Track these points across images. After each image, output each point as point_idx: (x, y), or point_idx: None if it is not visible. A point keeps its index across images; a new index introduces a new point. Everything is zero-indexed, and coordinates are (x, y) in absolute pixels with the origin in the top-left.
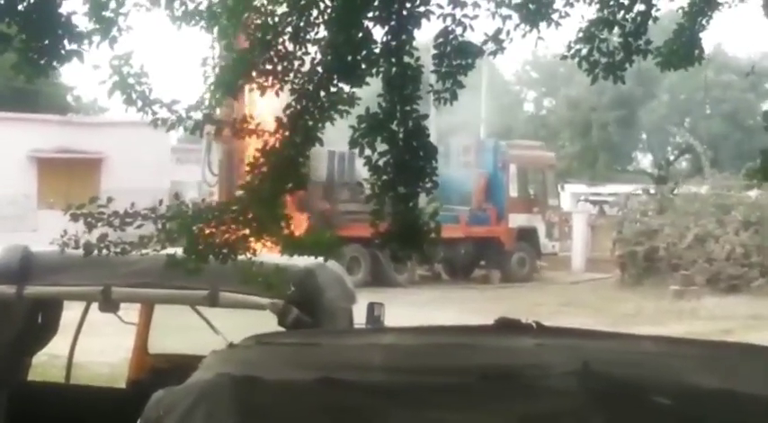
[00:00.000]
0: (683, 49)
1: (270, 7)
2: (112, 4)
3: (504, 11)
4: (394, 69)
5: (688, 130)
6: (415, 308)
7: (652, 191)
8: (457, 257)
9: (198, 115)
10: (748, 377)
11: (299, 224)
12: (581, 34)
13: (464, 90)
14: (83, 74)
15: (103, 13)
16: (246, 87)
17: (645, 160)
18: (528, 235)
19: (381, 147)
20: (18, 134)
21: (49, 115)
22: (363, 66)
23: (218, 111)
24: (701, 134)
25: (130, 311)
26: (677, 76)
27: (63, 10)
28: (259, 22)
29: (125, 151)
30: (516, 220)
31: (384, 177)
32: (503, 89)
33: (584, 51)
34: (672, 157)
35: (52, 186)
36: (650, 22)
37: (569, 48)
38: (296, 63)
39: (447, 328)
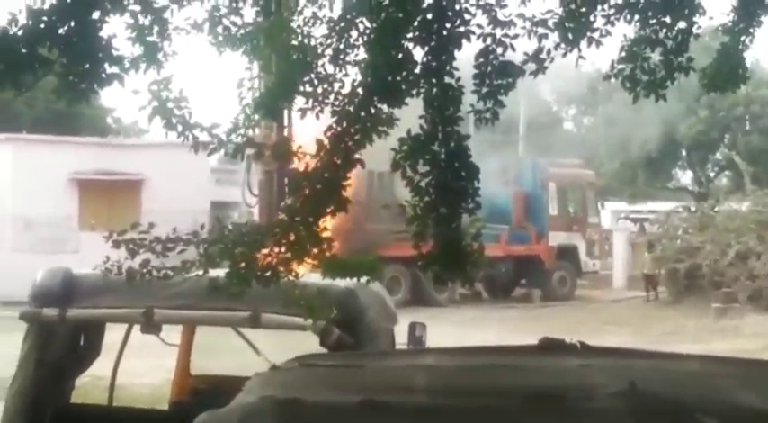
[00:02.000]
0: (728, 70)
1: (306, 29)
2: (155, 29)
3: (541, 29)
4: (435, 90)
5: (728, 147)
6: (455, 327)
7: (692, 208)
8: (497, 276)
9: (238, 138)
10: None
11: (341, 245)
12: (623, 53)
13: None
14: (123, 96)
15: (148, 38)
16: (286, 110)
17: (685, 177)
18: (568, 253)
19: (422, 168)
20: (59, 156)
21: (89, 138)
22: (404, 86)
23: (257, 132)
24: (740, 150)
25: (172, 333)
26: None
27: (104, 33)
28: (296, 43)
29: (165, 172)
30: (556, 238)
31: (426, 198)
32: (542, 107)
33: (627, 70)
34: (712, 174)
35: (93, 208)
36: (691, 40)
37: (612, 67)
38: (336, 85)
39: (490, 348)
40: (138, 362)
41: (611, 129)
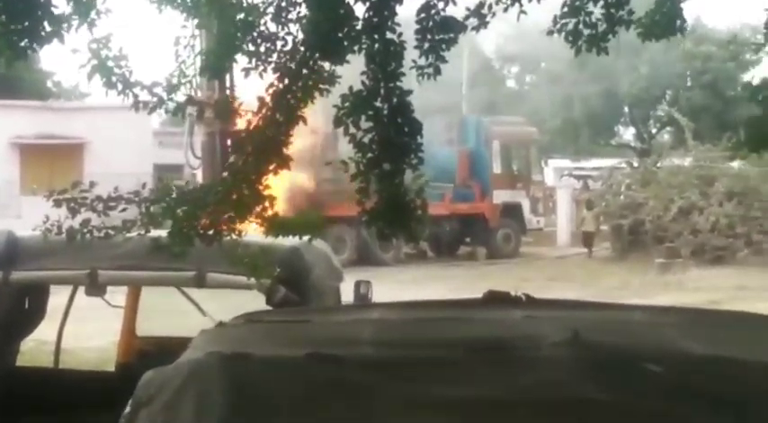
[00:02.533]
0: (665, 20)
1: None
2: None
3: None
4: (377, 46)
5: (669, 103)
6: (401, 286)
7: (635, 164)
8: (442, 235)
9: (179, 97)
10: (736, 343)
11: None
12: (566, 8)
13: (445, 66)
14: (63, 60)
15: None
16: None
17: (627, 134)
18: (512, 211)
19: (365, 124)
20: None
21: (30, 101)
22: (345, 43)
23: (199, 94)
24: (682, 106)
25: (117, 296)
26: (657, 48)
27: None
28: (234, 1)
29: (107, 136)
30: (500, 196)
31: (369, 155)
32: (485, 65)
33: (570, 25)
34: (654, 130)
35: (35, 172)
36: None
37: (555, 22)
38: (278, 43)
39: (435, 302)
40: (84, 325)
41: (554, 86)
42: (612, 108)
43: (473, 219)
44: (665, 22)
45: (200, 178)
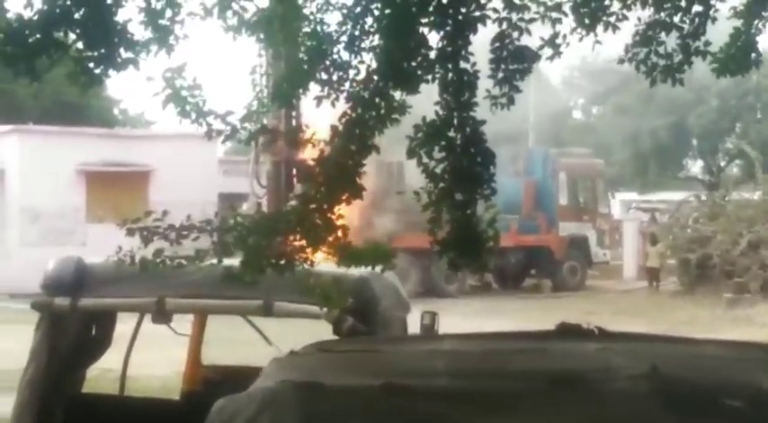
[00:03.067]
0: (740, 54)
1: (319, 15)
2: (168, 13)
3: (556, 14)
4: (450, 75)
5: (738, 136)
6: (466, 318)
7: (703, 197)
8: (507, 266)
9: (251, 125)
10: None
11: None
12: (638, 37)
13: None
14: (130, 87)
15: (160, 21)
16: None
17: (695, 167)
18: (579, 243)
19: (438, 154)
20: (66, 148)
21: (96, 129)
22: (419, 72)
23: (265, 121)
24: (751, 139)
25: (182, 324)
26: (727, 80)
27: (119, 18)
28: (308, 29)
29: (173, 164)
30: (566, 228)
31: (441, 185)
32: (551, 95)
33: (642, 55)
34: (723, 163)
35: (100, 200)
36: (709, 24)
37: (626, 51)
38: (351, 72)
39: (507, 334)
40: (149, 353)
41: (621, 118)
42: (681, 141)
43: (539, 250)
44: (741, 57)
45: (265, 207)
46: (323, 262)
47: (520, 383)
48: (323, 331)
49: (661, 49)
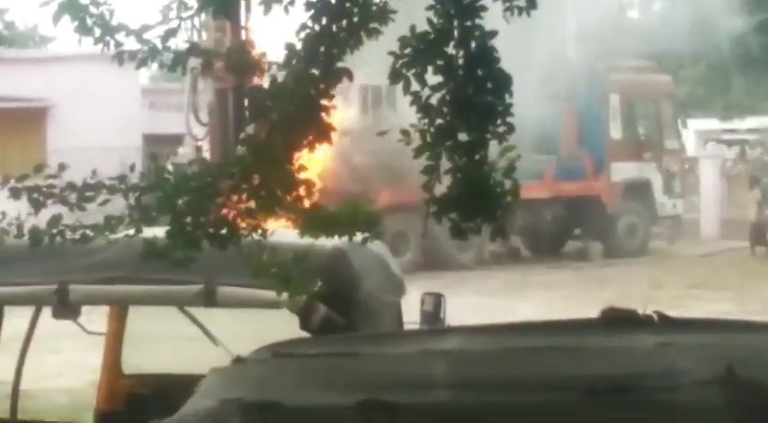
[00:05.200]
0: None
1: None
2: None
3: None
4: None
5: None
6: (485, 298)
7: None
8: (542, 226)
9: (178, 44)
10: None
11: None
12: None
13: None
14: None
15: None
16: (244, 3)
17: None
18: (639, 191)
19: (434, 79)
20: None
21: None
22: None
23: (204, 36)
24: None
25: (94, 317)
26: None
27: None
28: None
29: (79, 96)
30: (622, 171)
31: (439, 121)
32: None
33: None
34: None
35: None
36: None
37: None
38: None
39: (535, 325)
40: (51, 358)
41: (694, 17)
42: None
43: (584, 203)
44: None
45: (207, 153)
46: (281, 230)
47: (548, 395)
48: (287, 325)
49: None
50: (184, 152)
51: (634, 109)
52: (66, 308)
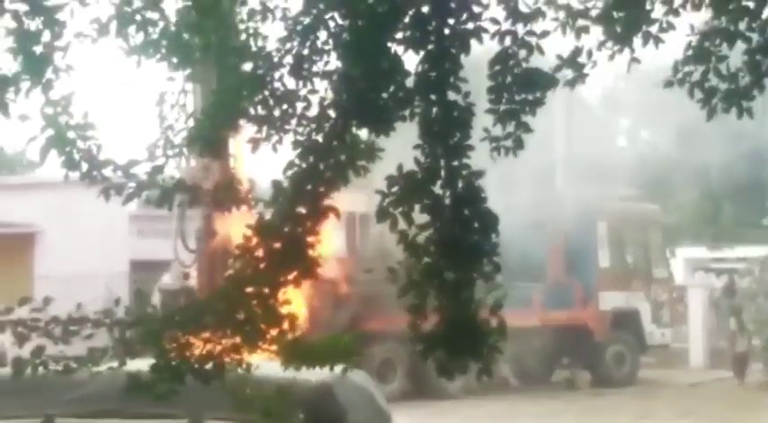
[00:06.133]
0: None
1: (253, 25)
2: (46, 36)
3: (581, 22)
4: (434, 110)
5: None
6: None
7: None
8: (529, 355)
9: (165, 180)
10: None
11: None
12: (690, 51)
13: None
14: (4, 120)
15: (34, 47)
16: (232, 141)
17: None
18: (627, 320)
19: (420, 218)
20: None
21: None
22: (391, 105)
23: (191, 164)
24: None
25: None
26: None
27: None
28: (239, 45)
29: (66, 222)
30: (610, 299)
31: (426, 259)
32: (587, 117)
33: (697, 75)
34: None
35: None
36: None
37: (676, 70)
38: (299, 106)
39: None
40: None
41: (683, 147)
42: (763, 177)
43: (572, 331)
44: None
45: (193, 280)
46: (265, 363)
47: None
48: None
49: (722, 67)
50: (171, 280)
51: (622, 238)
52: None
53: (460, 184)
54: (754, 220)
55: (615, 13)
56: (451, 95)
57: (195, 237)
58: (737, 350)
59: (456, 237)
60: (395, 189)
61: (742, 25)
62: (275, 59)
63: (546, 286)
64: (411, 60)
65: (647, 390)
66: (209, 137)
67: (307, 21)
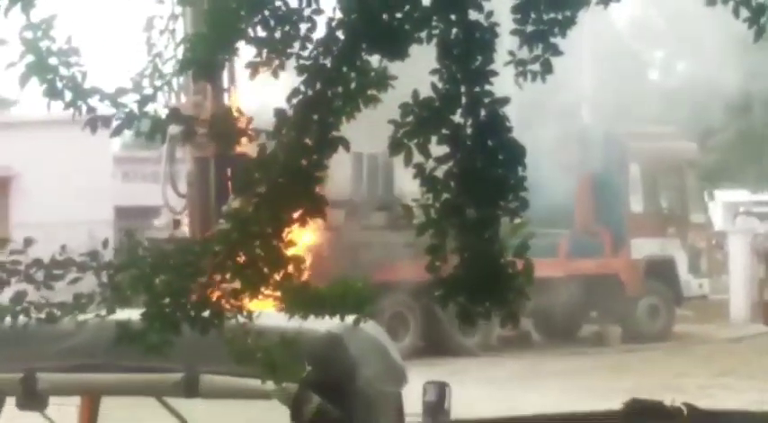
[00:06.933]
0: None
1: None
2: None
3: None
4: (454, 30)
5: None
6: (494, 387)
7: None
8: (555, 308)
9: (157, 110)
10: None
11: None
12: None
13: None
14: None
15: None
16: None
17: None
18: (662, 269)
19: (439, 149)
20: None
21: None
22: (406, 26)
23: (183, 99)
24: None
25: (64, 409)
26: None
27: None
28: None
29: (45, 165)
30: (643, 247)
31: (445, 195)
32: (616, 47)
33: None
34: None
35: None
36: None
37: None
38: (303, 27)
39: (549, 417)
40: None
41: (722, 79)
42: None
43: (602, 282)
44: None
45: (186, 228)
46: (268, 312)
47: None
48: (277, 417)
49: None
50: (160, 225)
51: (656, 180)
52: (33, 398)
53: (483, 113)
54: None
55: None
56: (473, 15)
57: (186, 180)
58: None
59: (478, 170)
60: (410, 118)
61: None
62: None
63: (573, 233)
64: None
65: (683, 345)
66: (205, 60)
67: None
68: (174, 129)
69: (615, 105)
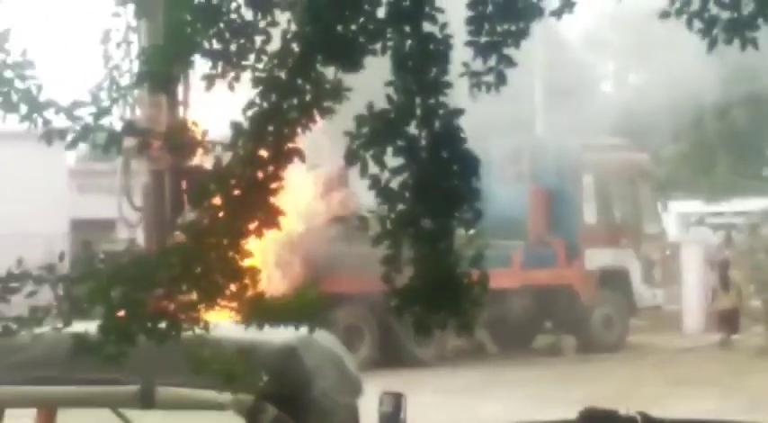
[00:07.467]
0: None
1: None
2: None
3: None
4: (408, 42)
5: None
6: (448, 397)
7: None
8: (510, 318)
9: (112, 122)
10: None
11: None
12: None
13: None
14: None
15: None
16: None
17: None
18: (615, 280)
19: (394, 161)
20: None
21: None
22: (361, 38)
23: (138, 112)
24: None
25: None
26: None
27: None
28: None
29: (0, 178)
30: (597, 257)
31: (401, 206)
32: (567, 59)
33: (696, 3)
34: None
35: None
36: None
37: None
38: (258, 39)
39: None
40: None
41: (674, 91)
42: (763, 123)
43: (556, 292)
44: None
45: (141, 240)
46: (224, 323)
47: None
48: None
49: None
50: (115, 240)
51: (609, 191)
52: None
53: (438, 124)
54: (753, 170)
55: None
56: (427, 27)
57: (142, 193)
58: (720, 308)
59: (433, 181)
60: (365, 130)
61: None
62: None
63: (526, 244)
64: None
65: (638, 355)
66: (161, 73)
67: None
68: (129, 141)
69: (568, 117)
